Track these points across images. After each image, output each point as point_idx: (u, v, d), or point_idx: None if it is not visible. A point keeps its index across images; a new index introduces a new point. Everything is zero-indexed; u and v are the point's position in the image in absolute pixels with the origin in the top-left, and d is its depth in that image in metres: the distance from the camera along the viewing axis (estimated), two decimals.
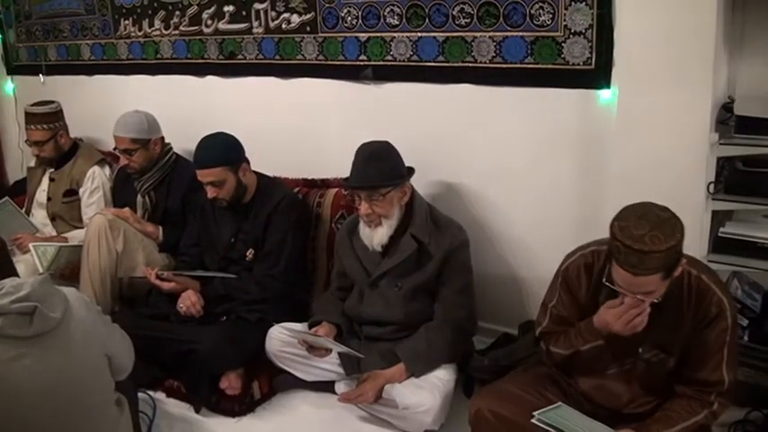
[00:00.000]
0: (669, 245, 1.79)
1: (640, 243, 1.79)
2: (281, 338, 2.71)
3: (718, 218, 2.74)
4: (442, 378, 2.52)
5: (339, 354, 2.65)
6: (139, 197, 3.41)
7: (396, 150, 2.66)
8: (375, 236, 2.63)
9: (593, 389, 2.17)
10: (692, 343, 2.01)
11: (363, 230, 2.66)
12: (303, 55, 3.39)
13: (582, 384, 2.20)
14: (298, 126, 3.51)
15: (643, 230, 1.80)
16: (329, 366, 2.70)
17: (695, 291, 1.99)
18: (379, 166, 2.58)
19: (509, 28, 2.77)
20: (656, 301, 1.91)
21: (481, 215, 3.03)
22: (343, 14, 3.19)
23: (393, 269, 2.63)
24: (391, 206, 2.61)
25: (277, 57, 3.50)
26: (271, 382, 2.80)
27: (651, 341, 2.05)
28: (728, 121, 2.63)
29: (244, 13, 3.53)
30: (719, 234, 2.69)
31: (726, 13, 2.65)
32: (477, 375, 2.65)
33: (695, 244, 2.56)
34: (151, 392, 2.74)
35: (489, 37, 2.83)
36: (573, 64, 2.66)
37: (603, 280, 2.00)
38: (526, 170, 2.89)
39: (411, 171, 2.69)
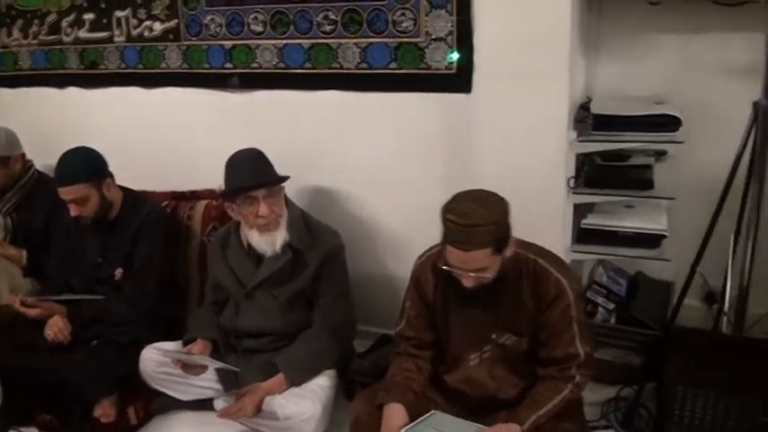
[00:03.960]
0: (494, 218, 1.92)
1: (468, 218, 1.90)
2: (155, 359, 2.61)
3: (581, 210, 2.88)
4: (322, 385, 2.51)
5: (216, 370, 2.59)
6: (0, 218, 3.22)
7: None
8: (277, 238, 2.56)
9: (462, 383, 2.23)
10: (539, 324, 2.12)
11: (259, 238, 2.57)
12: (167, 63, 3.30)
13: (450, 380, 2.25)
14: (164, 137, 3.41)
15: (469, 208, 1.92)
16: (207, 384, 2.63)
17: (532, 273, 2.11)
18: (267, 164, 2.57)
19: (372, 34, 2.80)
20: (489, 276, 2.00)
21: (355, 219, 3.05)
22: (206, 21, 3.12)
23: (268, 279, 2.59)
24: (283, 205, 2.59)
25: (140, 66, 3.38)
26: (147, 406, 2.71)
27: (501, 326, 2.15)
28: (586, 119, 2.77)
29: (104, 20, 3.38)
30: (582, 225, 2.84)
31: (581, 16, 2.79)
32: (359, 379, 2.67)
33: (559, 236, 2.69)
34: (24, 429, 2.59)
35: (354, 43, 2.84)
36: (435, 69, 2.72)
37: (439, 264, 2.08)
38: (396, 173, 2.93)
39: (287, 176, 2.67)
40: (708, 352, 2.57)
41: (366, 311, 2.93)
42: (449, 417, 2.14)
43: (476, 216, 1.90)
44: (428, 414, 2.13)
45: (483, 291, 2.05)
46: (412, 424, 2.07)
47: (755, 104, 2.44)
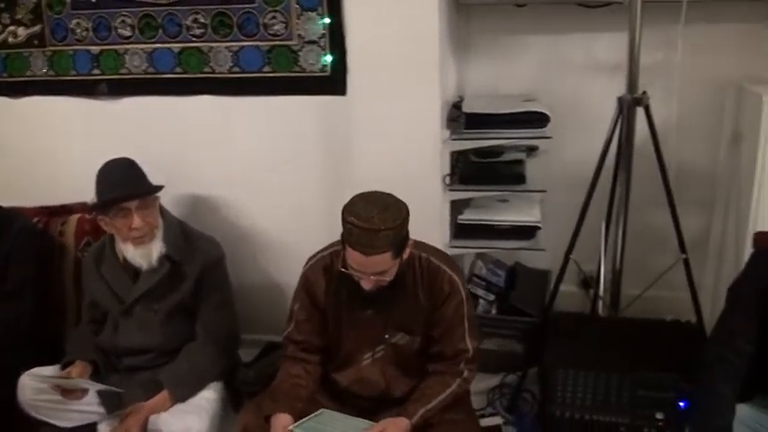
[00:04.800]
0: (396, 223, 1.94)
1: (370, 223, 1.91)
2: (33, 386, 2.44)
3: (458, 206, 2.95)
4: (208, 398, 2.45)
5: (98, 392, 2.49)
6: None
7: None
8: (153, 250, 2.47)
9: (353, 383, 2.25)
10: (432, 321, 2.17)
11: (134, 251, 2.47)
12: (32, 70, 3.13)
13: (342, 381, 2.26)
14: (31, 148, 3.24)
15: (372, 213, 1.93)
16: (89, 408, 2.49)
17: (426, 271, 2.16)
18: (139, 174, 2.48)
19: (244, 37, 2.77)
20: (388, 279, 2.04)
21: (234, 227, 3.01)
22: (72, 26, 2.99)
23: (146, 293, 2.51)
24: (158, 216, 2.51)
25: (5, 74, 3.19)
26: None
27: (395, 325, 2.18)
28: (459, 118, 2.84)
29: None
30: (459, 221, 2.91)
31: (450, 18, 2.85)
32: (246, 389, 2.63)
33: (437, 232, 2.75)
34: None
35: (225, 47, 2.80)
36: (310, 71, 2.72)
37: (339, 266, 2.10)
38: (275, 177, 2.92)
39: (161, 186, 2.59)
40: (585, 334, 2.70)
41: (251, 319, 2.90)
42: (338, 414, 2.16)
43: (379, 221, 1.92)
44: (317, 412, 2.13)
45: (377, 291, 2.07)
46: (301, 421, 2.07)
47: (620, 99, 2.58)
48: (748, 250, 2.57)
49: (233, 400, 2.61)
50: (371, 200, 1.99)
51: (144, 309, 2.54)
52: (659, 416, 2.45)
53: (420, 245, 2.18)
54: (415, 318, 2.17)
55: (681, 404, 2.42)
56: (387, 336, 2.19)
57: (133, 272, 2.53)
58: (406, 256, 2.06)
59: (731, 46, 3.00)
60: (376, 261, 1.96)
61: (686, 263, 2.63)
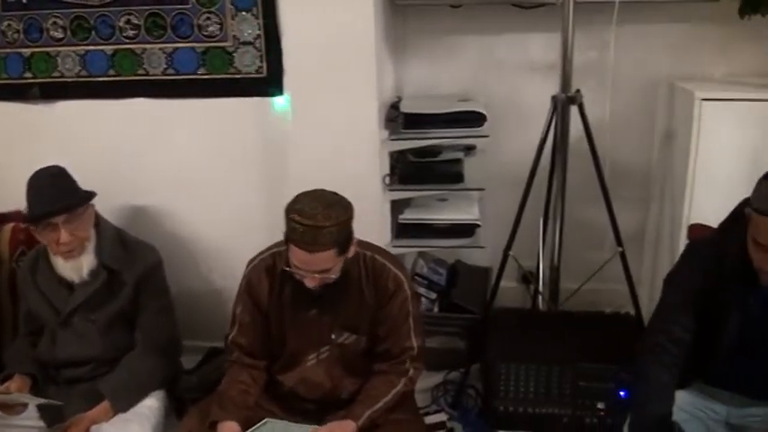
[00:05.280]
0: (341, 220, 1.95)
1: (314, 220, 1.91)
2: None
3: (399, 206, 2.96)
4: (150, 406, 2.40)
5: (37, 406, 2.42)
6: None
7: None
8: (83, 263, 2.40)
9: (298, 384, 2.24)
10: (378, 319, 2.18)
11: (63, 264, 2.40)
12: None
13: (287, 382, 2.25)
14: None
15: (316, 210, 1.93)
16: (30, 422, 2.39)
17: (371, 270, 2.17)
18: (68, 185, 2.39)
19: (178, 39, 2.73)
20: (333, 277, 2.03)
21: (175, 232, 2.97)
22: (2, 28, 2.90)
23: (83, 303, 2.44)
24: (90, 227, 2.43)
25: None
26: None
27: (340, 325, 2.18)
28: (397, 118, 2.85)
29: None
30: (400, 221, 2.92)
31: (387, 19, 2.86)
32: (188, 396, 2.60)
33: (378, 232, 2.75)
34: None
35: (160, 48, 2.76)
36: (245, 73, 2.70)
37: (282, 266, 2.09)
38: (213, 181, 2.89)
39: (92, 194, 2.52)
40: (526, 328, 2.76)
41: (192, 326, 2.84)
42: (282, 422, 2.15)
43: (322, 218, 1.92)
44: (261, 423, 2.12)
45: (322, 291, 2.07)
46: None
47: (554, 98, 2.64)
48: (683, 242, 2.66)
49: (175, 408, 2.58)
50: (315, 197, 1.99)
51: (82, 319, 2.47)
52: (600, 406, 2.54)
53: (364, 244, 2.18)
54: (360, 317, 2.17)
55: (621, 393, 2.50)
56: (332, 336, 2.18)
57: (68, 282, 2.46)
58: (350, 254, 2.06)
59: (662, 45, 3.09)
60: (320, 258, 1.96)
61: (623, 256, 2.70)
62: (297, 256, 1.98)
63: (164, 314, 2.57)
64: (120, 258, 2.48)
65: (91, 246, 2.43)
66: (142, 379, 2.44)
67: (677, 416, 2.00)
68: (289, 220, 1.95)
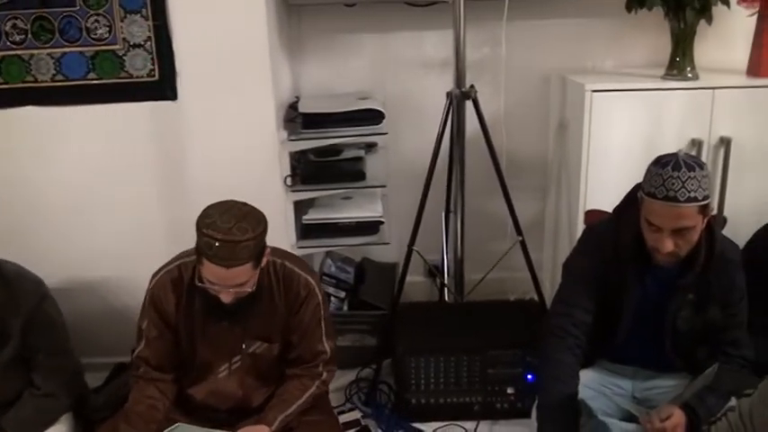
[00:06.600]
0: (257, 232, 1.91)
1: (230, 235, 1.85)
2: None
3: (302, 206, 2.95)
4: None
5: None
6: None
7: None
8: None
9: (209, 396, 2.20)
10: (290, 326, 2.15)
11: None
12: None
13: (197, 395, 2.20)
14: None
15: (230, 224, 1.87)
16: None
17: (282, 277, 2.13)
18: None
19: (66, 43, 2.62)
20: (249, 290, 1.99)
21: (67, 252, 2.80)
22: None
23: None
24: None
25: None
26: None
27: (252, 335, 2.14)
28: (296, 118, 2.84)
29: None
30: (303, 221, 2.91)
31: (281, 19, 2.85)
32: (96, 416, 2.49)
33: (282, 234, 2.73)
34: None
35: (48, 54, 2.64)
36: (137, 77, 2.62)
37: (195, 281, 2.01)
38: (110, 191, 2.75)
39: None
40: (434, 321, 2.81)
41: (96, 344, 2.74)
42: (194, 427, 2.11)
43: (239, 232, 1.86)
44: (172, 427, 2.07)
45: (233, 302, 2.01)
46: None
47: (449, 94, 2.69)
48: (581, 227, 2.77)
49: (84, 430, 2.47)
50: (226, 209, 1.92)
51: None
52: (510, 390, 2.62)
53: (274, 250, 2.14)
54: (272, 325, 2.14)
55: (528, 377, 2.59)
56: (244, 346, 2.14)
57: None
58: (263, 263, 2.02)
59: (553, 40, 3.20)
60: (237, 273, 1.90)
61: (523, 244, 2.78)
62: (212, 271, 1.91)
63: (60, 353, 2.39)
64: (1, 304, 2.24)
65: None
66: (46, 410, 2.31)
67: (583, 393, 2.07)
68: (201, 235, 1.88)
